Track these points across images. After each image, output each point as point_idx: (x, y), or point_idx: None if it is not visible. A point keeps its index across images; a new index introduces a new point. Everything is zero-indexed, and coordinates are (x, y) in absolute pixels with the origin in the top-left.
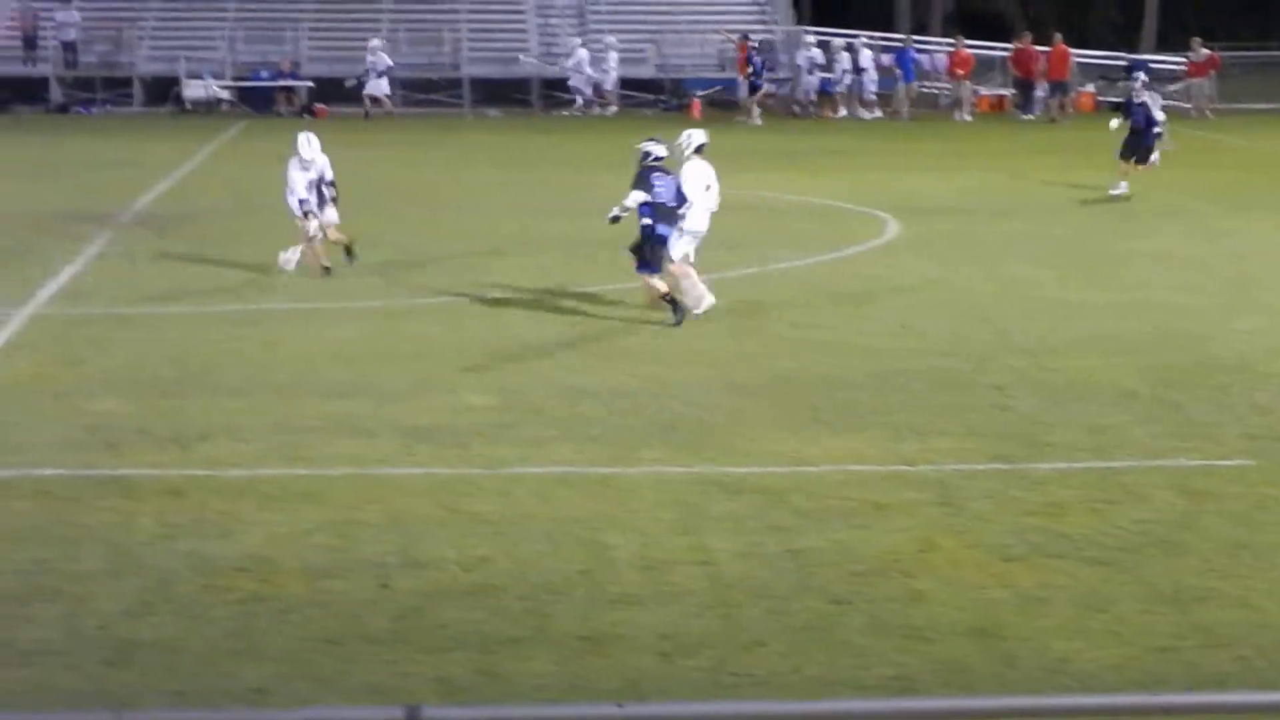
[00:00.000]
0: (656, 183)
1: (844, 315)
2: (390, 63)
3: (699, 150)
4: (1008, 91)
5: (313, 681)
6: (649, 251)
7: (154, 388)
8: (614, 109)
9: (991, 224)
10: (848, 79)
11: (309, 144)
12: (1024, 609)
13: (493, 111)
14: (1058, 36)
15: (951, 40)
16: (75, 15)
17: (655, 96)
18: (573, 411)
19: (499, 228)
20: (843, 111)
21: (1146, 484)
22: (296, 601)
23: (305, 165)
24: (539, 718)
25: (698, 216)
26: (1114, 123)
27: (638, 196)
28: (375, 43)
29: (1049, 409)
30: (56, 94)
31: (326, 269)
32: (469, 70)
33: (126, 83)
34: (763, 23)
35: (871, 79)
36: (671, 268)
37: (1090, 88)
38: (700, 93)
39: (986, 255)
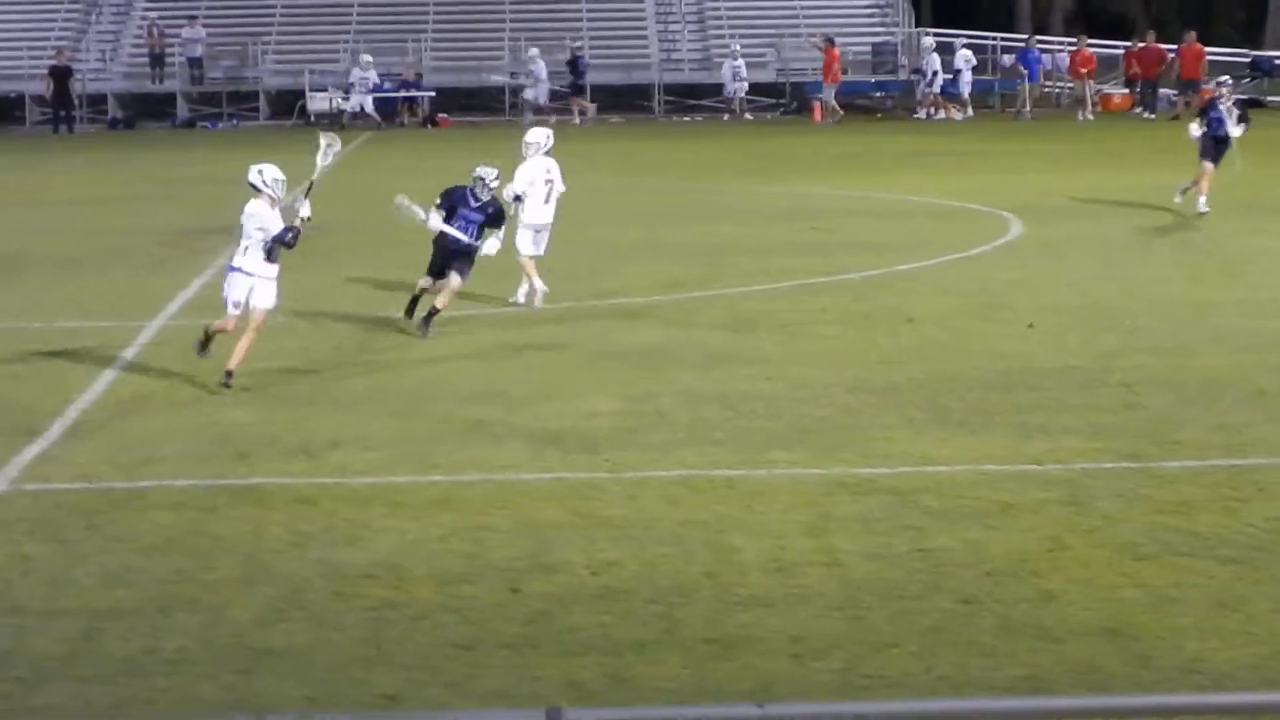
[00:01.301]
0: (461, 208)
1: (970, 315)
2: (544, 74)
3: (544, 150)
4: (1130, 91)
5: (444, 687)
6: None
7: (283, 397)
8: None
9: (1115, 222)
10: (940, 80)
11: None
12: (1155, 608)
13: (614, 118)
14: (1190, 35)
15: (1074, 39)
16: (201, 32)
17: (776, 100)
18: (698, 415)
19: (622, 234)
20: (935, 113)
21: (1278, 482)
22: (427, 607)
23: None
24: (680, 719)
25: (535, 210)
26: (1194, 129)
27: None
28: (534, 52)
29: (1178, 407)
30: (183, 110)
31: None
32: (591, 78)
33: (252, 97)
34: (883, 25)
35: (966, 80)
36: (520, 260)
37: (1212, 86)
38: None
39: (1111, 254)
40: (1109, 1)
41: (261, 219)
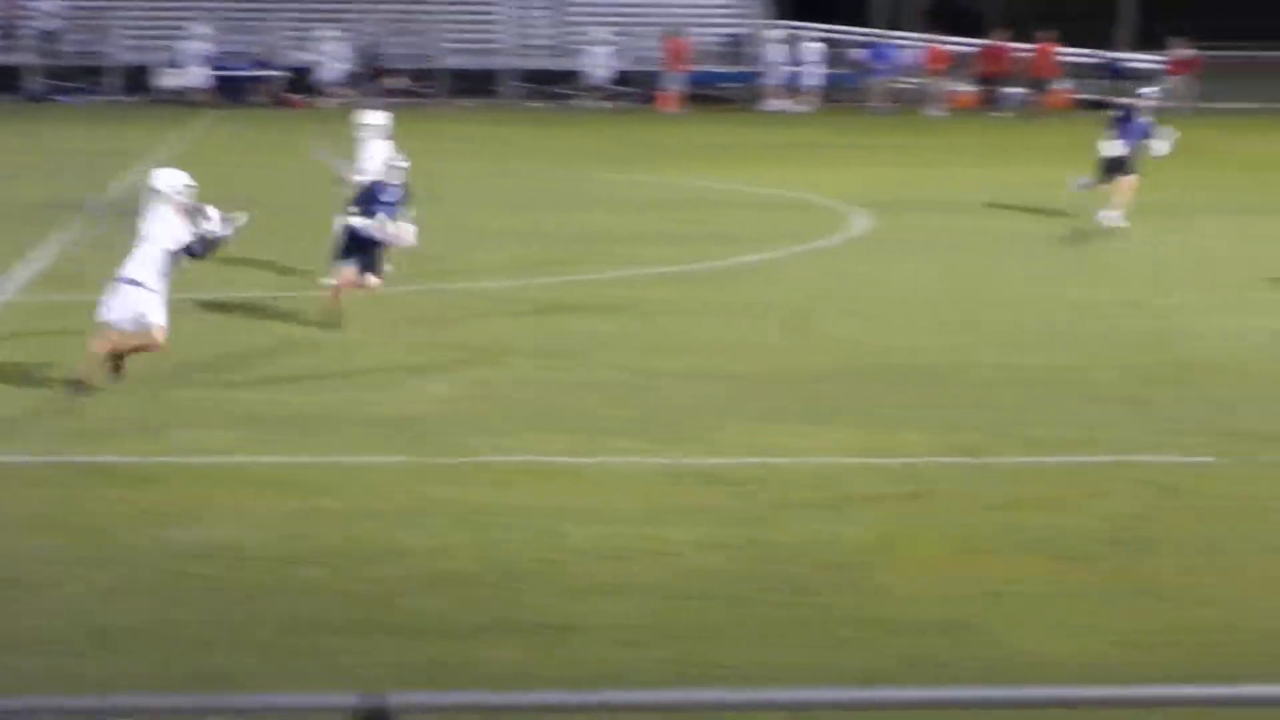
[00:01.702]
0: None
1: (817, 308)
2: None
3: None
4: (981, 89)
5: (278, 669)
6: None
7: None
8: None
9: (964, 218)
10: (785, 71)
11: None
12: (991, 602)
13: (468, 103)
14: (1044, 34)
15: (927, 36)
16: (56, 3)
17: (626, 89)
18: (540, 401)
19: (478, 221)
20: (777, 103)
21: (1117, 480)
22: (263, 589)
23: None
24: (508, 705)
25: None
26: (1112, 147)
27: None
28: (328, 32)
29: (1021, 404)
30: (34, 83)
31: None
32: (447, 61)
33: (104, 71)
34: (737, 16)
35: (813, 73)
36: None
37: (1066, 86)
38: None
39: (960, 249)
40: None
41: (167, 226)
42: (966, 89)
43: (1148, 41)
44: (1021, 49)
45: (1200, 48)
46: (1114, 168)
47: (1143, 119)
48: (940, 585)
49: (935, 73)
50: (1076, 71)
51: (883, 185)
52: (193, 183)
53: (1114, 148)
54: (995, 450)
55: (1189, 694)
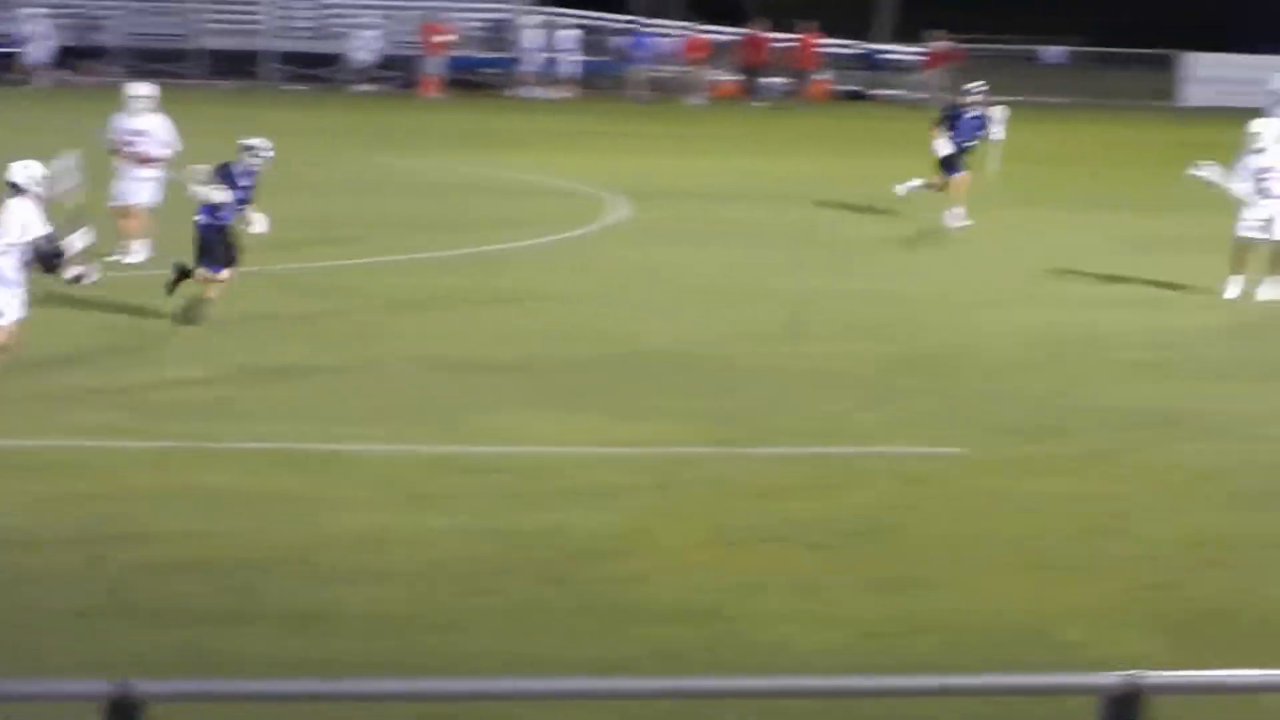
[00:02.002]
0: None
1: (573, 297)
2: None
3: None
4: (741, 78)
5: (24, 656)
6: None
7: None
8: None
9: (725, 209)
10: (538, 57)
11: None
12: (740, 593)
13: (222, 84)
14: (807, 24)
15: (687, 24)
16: None
17: (388, 73)
18: (295, 387)
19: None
20: (535, 90)
21: (868, 470)
22: (7, 575)
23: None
24: (256, 694)
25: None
26: (942, 145)
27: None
28: (32, 11)
29: (775, 394)
30: None
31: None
32: (204, 43)
33: None
34: (498, 2)
35: (571, 60)
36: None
37: (826, 76)
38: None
39: (720, 240)
40: None
41: (24, 220)
42: (727, 78)
43: (906, 34)
44: (782, 39)
45: (958, 40)
46: (947, 167)
47: (971, 115)
48: (690, 575)
49: (695, 61)
50: (836, 62)
51: (643, 173)
52: (47, 172)
53: (945, 146)
54: (747, 440)
55: (933, 684)
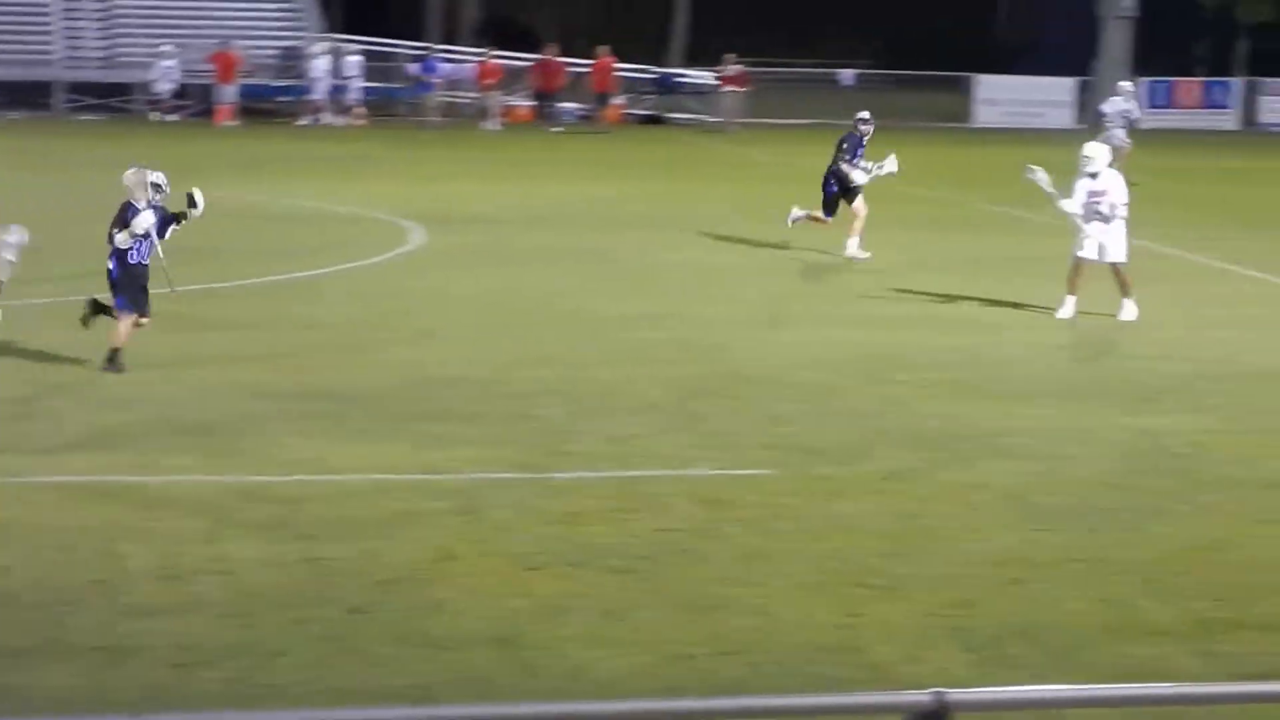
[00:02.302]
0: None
1: (372, 324)
2: None
3: None
4: (536, 103)
5: None
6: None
7: None
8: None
9: (520, 234)
10: (326, 84)
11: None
12: (544, 617)
13: (13, 114)
14: (603, 49)
15: (480, 50)
16: None
17: (182, 102)
18: (91, 418)
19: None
20: (325, 117)
21: (667, 493)
22: None
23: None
24: None
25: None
26: (859, 175)
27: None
28: None
29: (573, 418)
30: None
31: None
32: None
33: None
34: (291, 29)
35: (358, 86)
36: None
37: (621, 100)
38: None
39: (515, 265)
40: (518, 13)
41: None
42: (521, 103)
43: (698, 57)
44: (576, 64)
45: (750, 64)
46: (836, 202)
47: (865, 143)
48: (493, 601)
49: (489, 87)
50: (631, 87)
51: (438, 199)
52: None
53: (860, 175)
54: (549, 465)
55: (726, 706)
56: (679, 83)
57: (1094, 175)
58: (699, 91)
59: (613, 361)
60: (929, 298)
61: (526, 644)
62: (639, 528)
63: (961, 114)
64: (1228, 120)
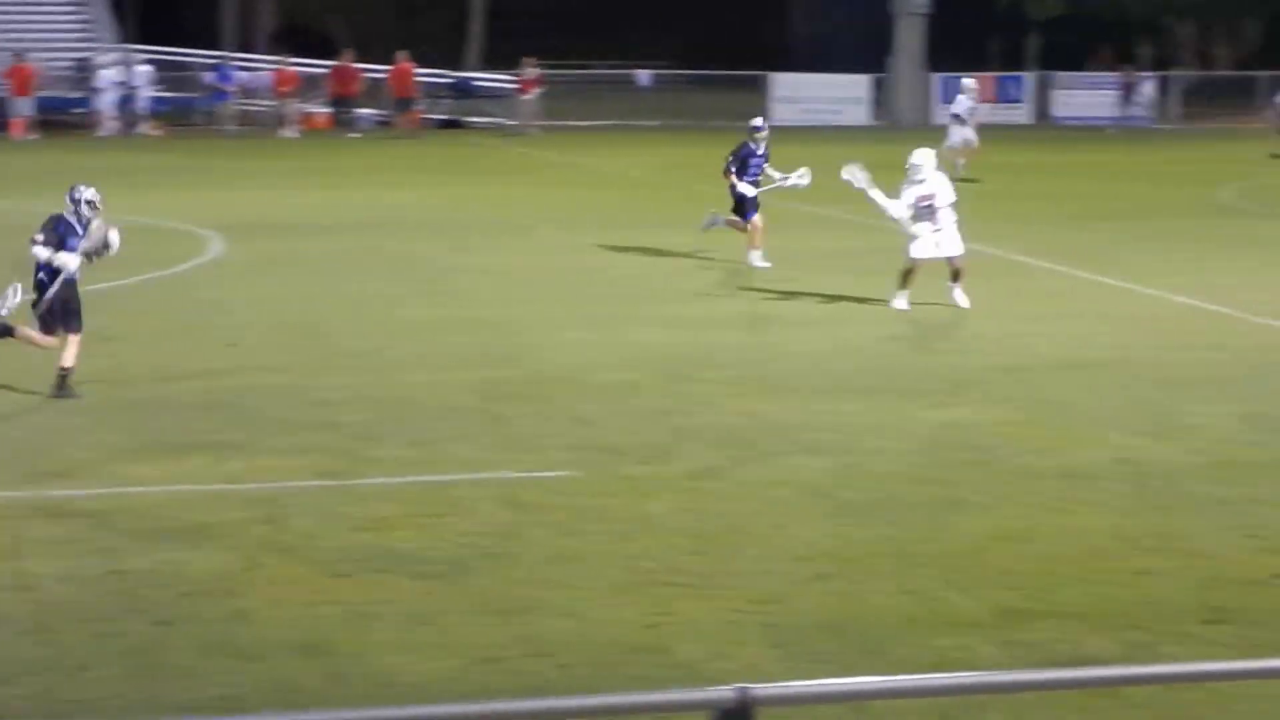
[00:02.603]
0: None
1: (173, 334)
2: None
3: None
4: (333, 110)
5: None
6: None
7: None
8: None
9: (320, 241)
10: (115, 95)
11: None
12: (352, 624)
13: None
14: (402, 54)
15: (276, 58)
16: None
17: None
18: None
19: None
20: (110, 129)
21: (473, 497)
22: None
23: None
24: None
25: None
26: (747, 188)
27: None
28: None
29: (376, 424)
30: None
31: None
32: None
33: None
34: (86, 40)
35: (144, 96)
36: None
37: (420, 105)
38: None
39: (316, 272)
40: (313, 20)
41: None
42: (319, 110)
43: (496, 61)
44: (373, 70)
45: (546, 66)
46: (743, 209)
47: (760, 154)
48: (300, 609)
49: (285, 94)
50: (430, 91)
51: (235, 208)
52: None
53: (747, 188)
54: (353, 472)
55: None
56: (477, 87)
57: (920, 181)
58: (497, 95)
59: (416, 366)
60: (734, 297)
61: (335, 651)
62: (445, 532)
63: (759, 113)
64: (1021, 114)
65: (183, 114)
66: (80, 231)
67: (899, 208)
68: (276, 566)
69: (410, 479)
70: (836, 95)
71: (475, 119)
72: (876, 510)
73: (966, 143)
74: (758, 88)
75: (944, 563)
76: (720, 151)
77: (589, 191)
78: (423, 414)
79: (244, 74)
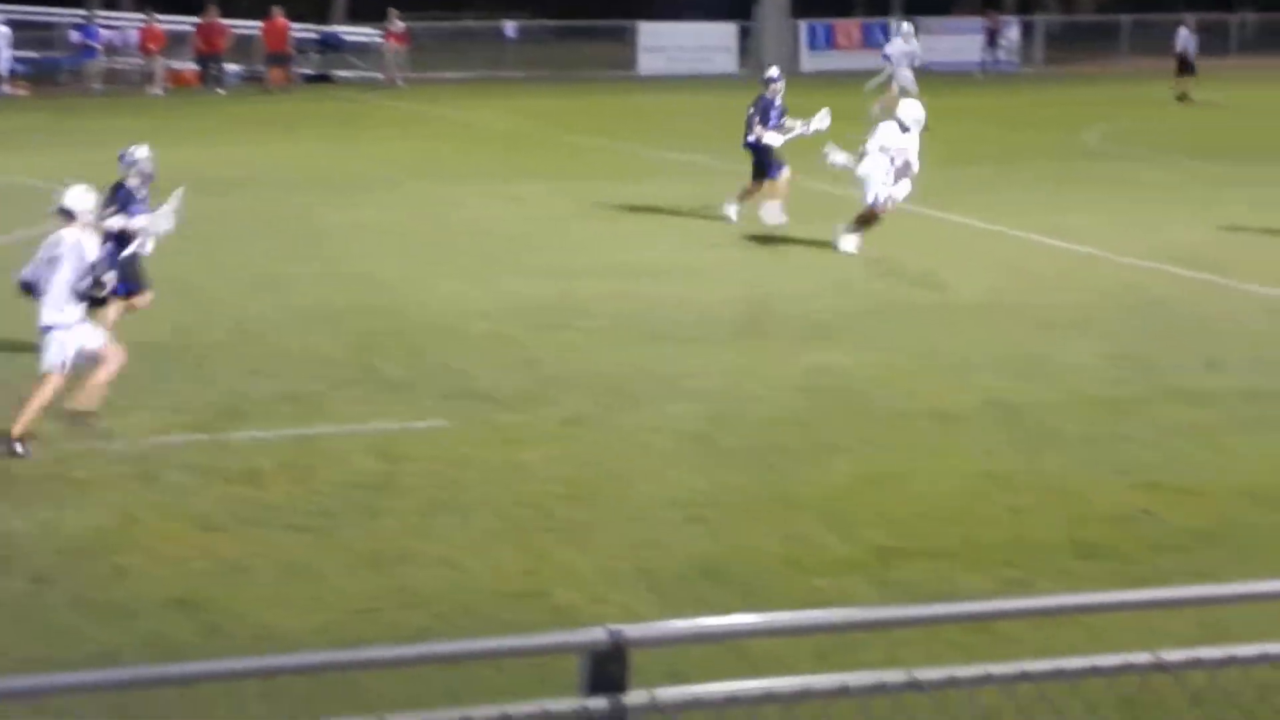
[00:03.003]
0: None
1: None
2: None
3: None
4: (200, 67)
5: None
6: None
7: None
8: None
9: (190, 198)
10: None
11: None
12: (227, 579)
13: None
14: (276, 9)
15: (142, 15)
16: None
17: None
18: None
19: None
20: None
21: (346, 449)
22: None
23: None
24: None
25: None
26: (775, 137)
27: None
28: None
29: (248, 379)
30: None
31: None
32: None
33: None
34: None
35: (5, 56)
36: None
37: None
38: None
39: (187, 229)
40: None
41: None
42: (186, 67)
43: (362, 14)
44: (240, 25)
45: (412, 18)
46: (769, 165)
47: (778, 103)
48: (175, 564)
49: (152, 52)
50: (297, 46)
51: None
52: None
53: (774, 138)
54: (226, 426)
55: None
56: (343, 40)
57: (906, 130)
58: (364, 48)
59: (288, 321)
60: (605, 246)
61: (210, 606)
62: (319, 485)
63: (626, 63)
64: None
65: (48, 73)
66: (141, 195)
67: (866, 162)
68: (151, 522)
69: (283, 432)
70: (703, 44)
71: (343, 73)
72: (752, 455)
73: (907, 85)
74: (624, 38)
75: (820, 506)
76: (587, 102)
77: (458, 144)
78: (295, 368)
79: (109, 32)
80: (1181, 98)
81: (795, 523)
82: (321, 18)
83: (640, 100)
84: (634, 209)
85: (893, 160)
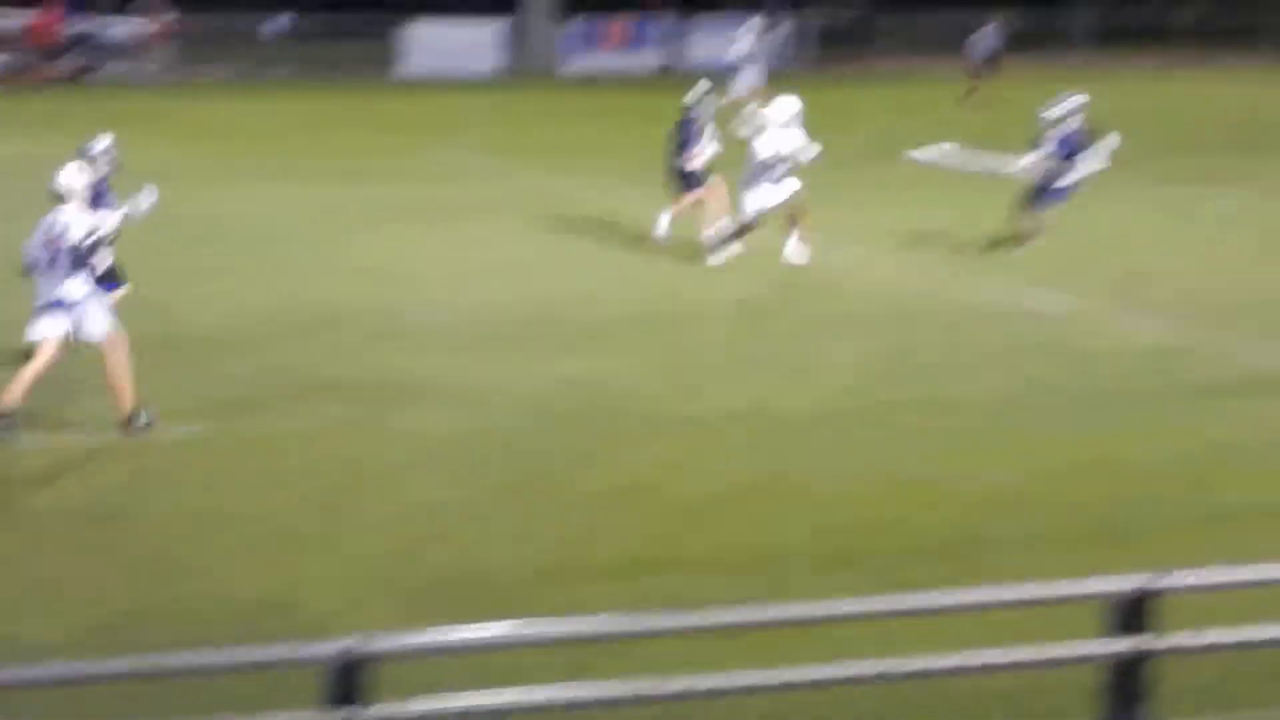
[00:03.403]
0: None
1: None
2: None
3: None
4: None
5: None
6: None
7: None
8: None
9: None
10: None
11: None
12: None
13: None
14: (51, 2)
15: None
16: None
17: None
18: None
19: None
20: None
21: (98, 456)
22: None
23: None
24: None
25: None
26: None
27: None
28: None
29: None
30: None
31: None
32: None
33: None
34: None
35: None
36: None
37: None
38: None
39: None
40: None
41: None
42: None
43: (126, 9)
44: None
45: (180, 14)
46: (692, 179)
47: (703, 120)
48: None
49: None
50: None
51: None
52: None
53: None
54: None
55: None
56: (109, 36)
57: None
58: (127, 45)
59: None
60: (369, 249)
61: None
62: (73, 492)
63: (388, 62)
64: (656, 59)
65: None
66: (107, 188)
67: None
68: None
69: (34, 438)
70: (466, 43)
71: (109, 68)
72: (505, 464)
73: (756, 84)
74: (384, 38)
75: (573, 515)
76: (350, 101)
77: (219, 143)
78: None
79: None
80: (969, 93)
81: (550, 531)
82: (83, 11)
83: (403, 101)
84: (400, 211)
85: (779, 165)
